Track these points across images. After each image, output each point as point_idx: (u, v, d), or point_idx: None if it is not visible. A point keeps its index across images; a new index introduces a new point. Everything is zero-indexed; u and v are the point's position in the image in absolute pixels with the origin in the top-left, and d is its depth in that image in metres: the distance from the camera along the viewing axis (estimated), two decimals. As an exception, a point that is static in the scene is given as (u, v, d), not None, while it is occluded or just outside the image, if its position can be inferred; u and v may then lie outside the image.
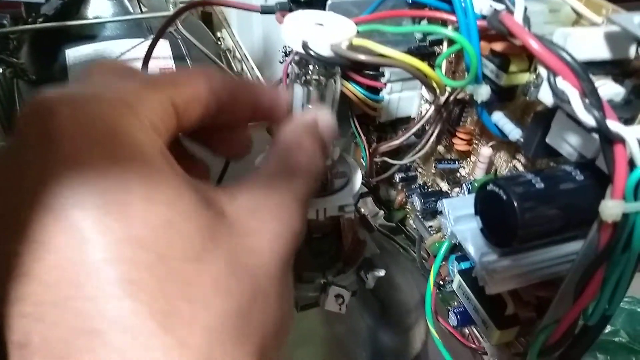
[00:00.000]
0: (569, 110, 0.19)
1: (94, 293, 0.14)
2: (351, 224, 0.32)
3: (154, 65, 0.67)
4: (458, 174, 0.36)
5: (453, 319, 0.32)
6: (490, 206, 0.23)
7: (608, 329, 0.68)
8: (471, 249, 0.25)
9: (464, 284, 0.29)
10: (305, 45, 0.24)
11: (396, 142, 0.36)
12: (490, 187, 0.22)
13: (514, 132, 0.26)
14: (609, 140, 0.18)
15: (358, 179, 0.32)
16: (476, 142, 0.33)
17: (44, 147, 0.15)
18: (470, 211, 0.24)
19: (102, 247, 0.14)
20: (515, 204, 0.21)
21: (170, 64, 0.68)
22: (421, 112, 0.37)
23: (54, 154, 0.15)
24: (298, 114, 0.25)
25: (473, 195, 0.24)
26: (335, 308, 0.31)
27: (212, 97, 0.20)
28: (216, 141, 0.25)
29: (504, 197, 0.21)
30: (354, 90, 0.34)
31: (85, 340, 0.14)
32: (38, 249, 0.14)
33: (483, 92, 0.25)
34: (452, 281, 0.31)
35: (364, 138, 0.38)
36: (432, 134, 0.33)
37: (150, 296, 0.14)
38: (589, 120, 0.18)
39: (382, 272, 0.33)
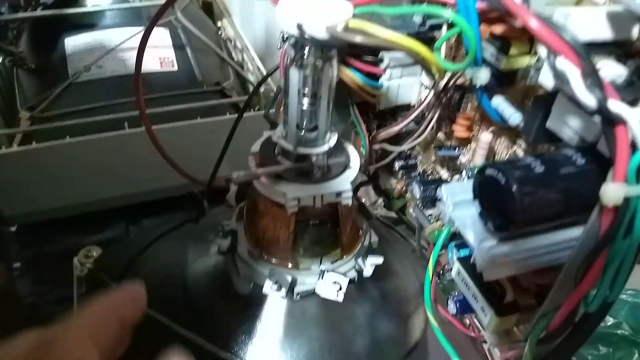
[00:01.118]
0: (569, 91, 0.19)
1: None
2: (349, 211, 0.32)
3: (154, 54, 0.66)
4: (458, 161, 0.35)
5: (452, 308, 0.32)
6: (489, 190, 0.22)
7: (610, 321, 0.68)
8: (470, 235, 0.25)
9: (463, 271, 0.29)
10: (300, 27, 0.23)
11: (395, 129, 0.35)
12: (488, 170, 0.22)
13: (514, 117, 0.26)
14: (610, 121, 0.18)
15: (356, 166, 0.31)
16: (476, 128, 0.33)
17: None
18: (469, 197, 0.24)
19: None
20: (514, 187, 0.20)
21: (170, 52, 0.68)
22: (421, 99, 0.37)
23: None
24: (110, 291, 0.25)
25: (472, 181, 0.24)
26: (332, 296, 0.31)
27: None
28: None
29: (503, 181, 0.21)
30: (352, 76, 0.34)
31: None
32: None
33: (482, 76, 0.25)
34: (452, 269, 0.30)
35: (363, 126, 0.38)
36: (431, 120, 0.33)
37: None
38: (589, 100, 0.18)
39: (380, 260, 0.33)
